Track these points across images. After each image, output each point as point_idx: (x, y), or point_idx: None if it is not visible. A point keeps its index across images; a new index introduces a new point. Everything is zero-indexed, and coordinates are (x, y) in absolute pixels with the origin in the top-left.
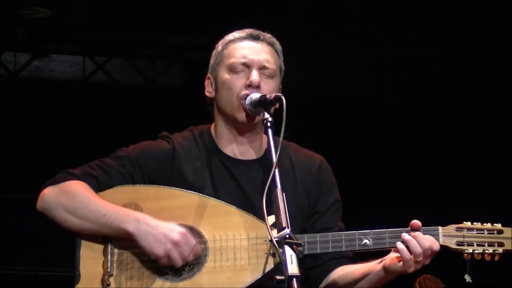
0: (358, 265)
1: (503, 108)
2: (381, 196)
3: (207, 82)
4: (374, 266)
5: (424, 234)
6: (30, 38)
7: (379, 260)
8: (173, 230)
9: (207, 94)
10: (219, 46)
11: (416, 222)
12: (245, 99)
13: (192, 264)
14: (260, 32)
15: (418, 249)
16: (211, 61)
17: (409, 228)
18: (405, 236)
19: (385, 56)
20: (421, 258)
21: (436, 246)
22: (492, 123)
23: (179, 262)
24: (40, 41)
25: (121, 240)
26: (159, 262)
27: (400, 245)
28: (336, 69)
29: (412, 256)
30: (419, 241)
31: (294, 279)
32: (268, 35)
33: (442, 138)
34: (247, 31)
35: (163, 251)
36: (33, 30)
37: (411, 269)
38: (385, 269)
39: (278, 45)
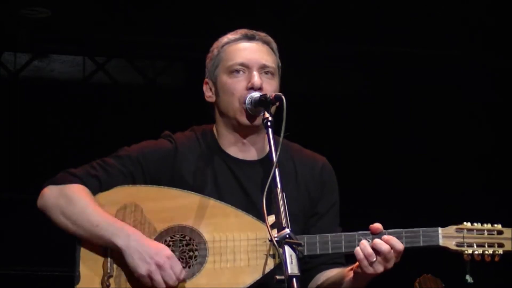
0: (336, 270)
1: (504, 108)
2: (381, 196)
3: (205, 87)
4: (347, 270)
5: (423, 234)
6: (30, 38)
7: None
8: (160, 253)
9: (207, 99)
10: (215, 50)
11: (375, 226)
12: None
13: (192, 265)
14: (254, 31)
15: (369, 251)
16: (208, 65)
17: (411, 229)
18: (363, 242)
19: (385, 55)
20: (374, 259)
21: (399, 246)
22: (493, 123)
23: (161, 285)
24: (40, 41)
25: None
26: (142, 281)
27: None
28: (336, 68)
29: (365, 257)
30: (378, 247)
31: (294, 279)
32: (262, 34)
33: (442, 138)
34: (241, 32)
35: (146, 271)
36: (33, 30)
37: (369, 270)
38: (354, 272)
39: (273, 43)
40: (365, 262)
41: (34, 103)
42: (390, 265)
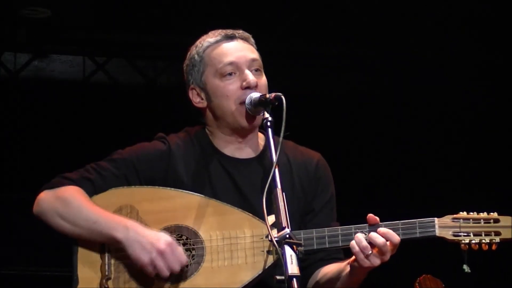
0: (334, 264)
1: (503, 108)
2: (381, 196)
3: (192, 93)
4: (344, 265)
5: (419, 225)
6: (30, 38)
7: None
8: (160, 239)
9: (196, 105)
10: (195, 55)
11: (372, 217)
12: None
13: (189, 265)
14: (231, 30)
15: (364, 244)
16: (191, 72)
17: (407, 221)
18: (357, 236)
19: (384, 55)
20: (370, 252)
21: (395, 239)
22: (492, 122)
23: (164, 272)
24: (40, 41)
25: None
26: (145, 271)
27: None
28: (336, 68)
29: (360, 251)
30: (374, 240)
31: (294, 279)
32: (240, 31)
33: (437, 133)
34: (219, 32)
35: (148, 259)
36: (33, 30)
37: (366, 263)
38: (350, 266)
39: (251, 38)
40: (361, 256)
41: (34, 103)
42: (386, 257)
